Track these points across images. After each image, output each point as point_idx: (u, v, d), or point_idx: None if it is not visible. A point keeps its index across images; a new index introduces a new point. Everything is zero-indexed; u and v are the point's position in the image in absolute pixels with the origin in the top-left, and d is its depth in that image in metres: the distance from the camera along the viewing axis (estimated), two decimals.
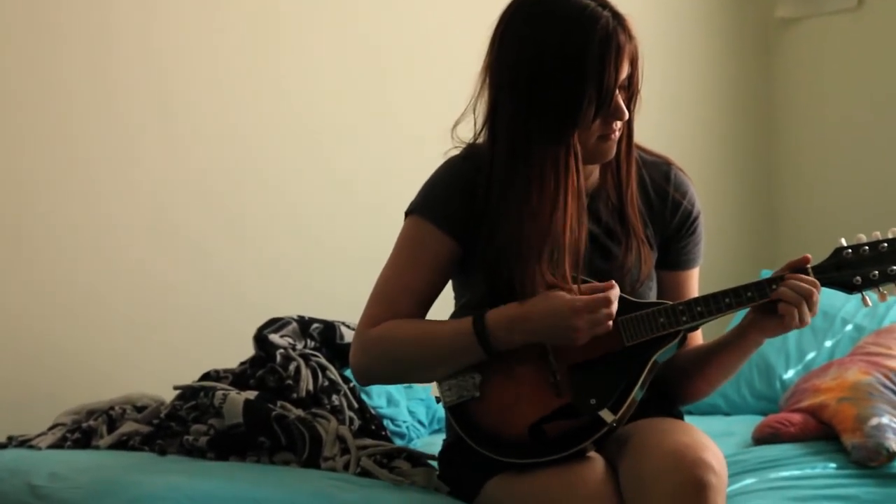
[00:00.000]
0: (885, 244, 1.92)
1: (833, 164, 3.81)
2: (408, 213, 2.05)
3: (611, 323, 1.88)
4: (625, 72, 1.95)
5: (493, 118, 1.96)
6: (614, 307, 1.88)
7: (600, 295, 1.87)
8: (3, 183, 2.87)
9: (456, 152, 2.05)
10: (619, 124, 1.97)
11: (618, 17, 1.95)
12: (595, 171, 2.05)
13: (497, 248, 1.95)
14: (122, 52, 3.00)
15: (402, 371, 2.04)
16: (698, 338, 2.11)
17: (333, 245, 3.27)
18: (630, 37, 1.95)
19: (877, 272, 1.91)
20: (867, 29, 3.67)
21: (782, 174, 3.94)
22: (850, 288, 1.93)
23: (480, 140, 2.01)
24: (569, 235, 1.92)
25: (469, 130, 2.03)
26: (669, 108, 3.80)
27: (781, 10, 3.88)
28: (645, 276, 2.03)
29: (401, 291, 2.00)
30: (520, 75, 1.91)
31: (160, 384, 2.66)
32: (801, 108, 3.89)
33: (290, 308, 2.74)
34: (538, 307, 1.88)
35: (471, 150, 2.03)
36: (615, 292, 1.88)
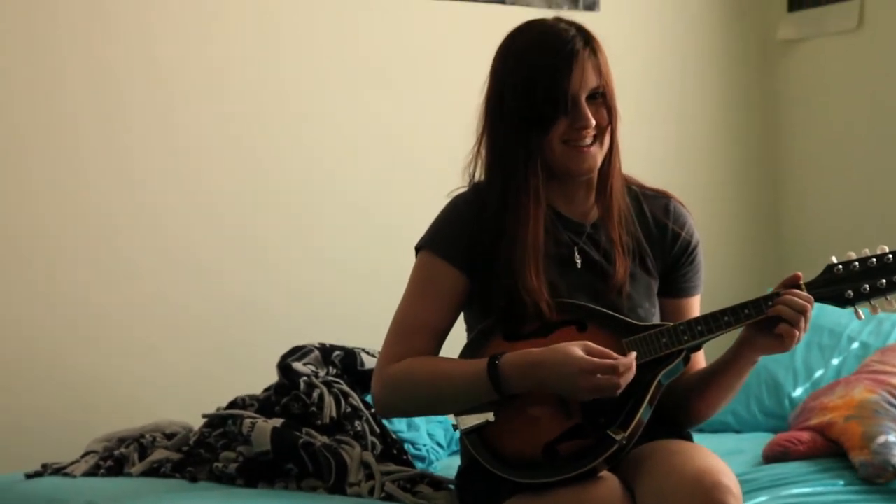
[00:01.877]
0: (874, 259, 1.98)
1: (835, 182, 3.82)
2: (418, 249, 2.12)
3: (618, 392, 1.91)
4: (588, 80, 2.02)
5: (484, 146, 2.09)
6: (625, 378, 1.91)
7: (608, 361, 1.90)
8: (27, 227, 2.94)
9: (462, 191, 2.14)
10: (587, 133, 2.03)
11: (582, 32, 2.05)
12: (592, 202, 2.12)
13: (499, 271, 2.03)
14: (132, 87, 3.04)
15: (420, 407, 2.11)
16: (700, 361, 2.16)
17: (354, 272, 3.31)
18: (593, 49, 2.04)
19: (867, 286, 1.97)
20: (867, 50, 3.69)
21: (785, 193, 3.96)
22: (842, 302, 1.99)
23: (479, 175, 2.11)
24: (531, 239, 2.01)
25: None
26: (674, 128, 3.83)
27: (783, 32, 3.90)
28: (643, 299, 2.09)
29: (417, 327, 2.06)
30: (493, 101, 2.05)
31: (185, 410, 2.73)
32: (803, 128, 3.90)
33: (311, 334, 2.80)
34: (550, 358, 1.93)
35: (476, 187, 2.12)
36: (626, 362, 1.91)
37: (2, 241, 2.92)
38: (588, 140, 2.04)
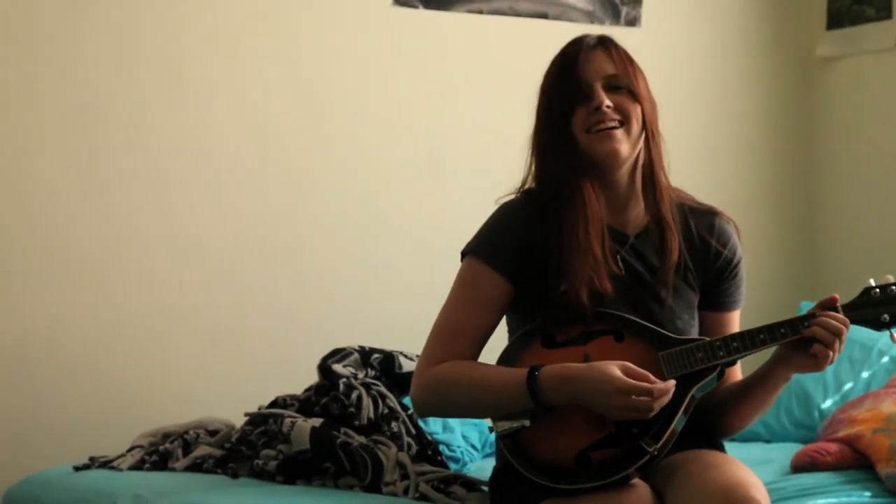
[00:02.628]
0: None
1: (872, 200, 3.81)
2: (464, 254, 2.16)
3: (651, 415, 1.93)
4: (601, 67, 2.09)
5: (534, 154, 2.15)
6: (660, 402, 1.92)
7: (644, 385, 1.92)
8: (70, 239, 3.00)
9: (511, 197, 2.17)
10: (605, 116, 2.06)
11: (602, 37, 2.14)
12: (640, 212, 2.15)
13: (553, 267, 2.07)
14: (161, 96, 3.08)
15: (458, 411, 2.17)
16: (737, 374, 2.18)
17: (390, 277, 3.35)
18: (606, 44, 2.12)
19: None
20: None
21: (822, 209, 3.96)
22: (878, 325, 2.01)
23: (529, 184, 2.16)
24: (591, 214, 2.06)
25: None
26: (712, 142, 3.85)
27: (822, 50, 3.91)
28: (682, 311, 2.12)
29: (458, 332, 2.10)
30: (537, 111, 2.13)
31: (227, 410, 2.79)
32: (840, 146, 3.91)
33: (348, 337, 2.85)
34: (588, 375, 1.95)
35: (526, 193, 2.16)
36: (662, 387, 1.93)
37: (40, 252, 2.98)
38: (609, 123, 2.07)
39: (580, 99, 2.08)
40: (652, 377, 1.94)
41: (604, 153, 2.08)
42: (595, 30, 3.55)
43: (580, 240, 2.05)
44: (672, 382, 1.94)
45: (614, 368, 1.94)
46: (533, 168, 2.15)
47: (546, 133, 2.12)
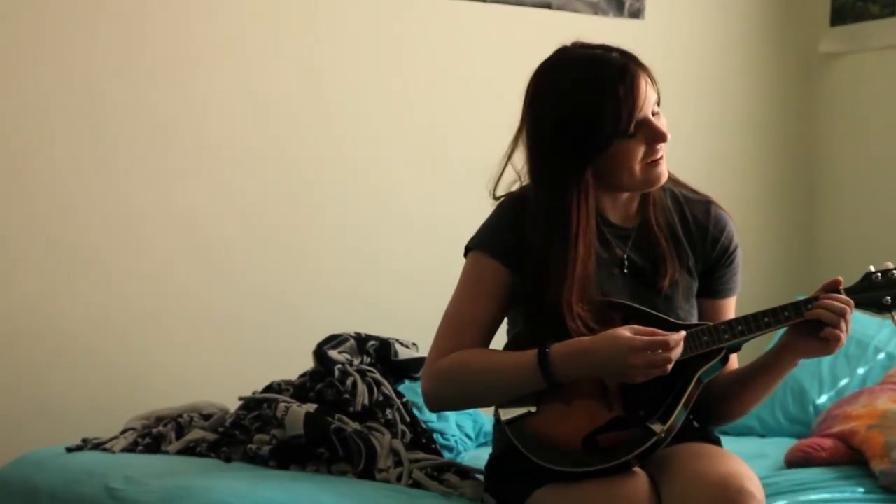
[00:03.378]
0: None
1: (873, 196, 3.83)
2: (468, 250, 2.18)
3: (670, 367, 1.96)
4: (651, 95, 2.06)
5: (529, 165, 2.12)
6: (675, 353, 1.96)
7: (659, 337, 1.96)
8: (68, 224, 3.01)
9: (511, 192, 2.19)
10: (663, 146, 2.08)
11: (626, 54, 2.08)
12: (639, 209, 2.17)
13: (532, 283, 2.08)
14: (165, 84, 3.09)
15: (470, 399, 2.17)
16: (734, 363, 2.20)
17: (388, 267, 3.36)
18: (643, 66, 2.07)
19: None
20: None
21: (823, 204, 3.98)
22: (880, 308, 2.03)
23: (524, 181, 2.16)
24: (580, 268, 2.04)
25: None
26: (714, 137, 3.86)
27: (825, 46, 3.92)
28: (682, 300, 2.14)
29: (467, 324, 2.12)
30: (546, 124, 2.07)
31: (222, 394, 2.79)
32: (842, 141, 3.92)
33: (345, 326, 2.85)
34: (599, 344, 1.98)
35: (522, 192, 2.17)
36: (676, 338, 1.97)
37: (42, 240, 2.99)
38: (662, 152, 2.09)
39: (635, 133, 2.04)
40: (661, 331, 1.97)
41: (657, 181, 2.10)
42: (598, 22, 3.58)
43: (579, 254, 2.05)
44: (682, 333, 1.98)
45: (624, 331, 1.97)
46: (528, 168, 2.13)
47: (554, 157, 2.07)
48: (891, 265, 2.04)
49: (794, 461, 2.54)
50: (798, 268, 3.97)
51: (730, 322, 2.03)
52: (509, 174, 2.17)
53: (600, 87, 2.03)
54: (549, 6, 3.57)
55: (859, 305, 2.03)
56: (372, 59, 3.35)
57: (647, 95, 2.05)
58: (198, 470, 2.31)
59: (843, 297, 2.01)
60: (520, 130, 2.13)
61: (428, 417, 2.74)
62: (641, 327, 1.99)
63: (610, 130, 2.02)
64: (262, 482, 2.20)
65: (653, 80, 2.07)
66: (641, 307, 2.08)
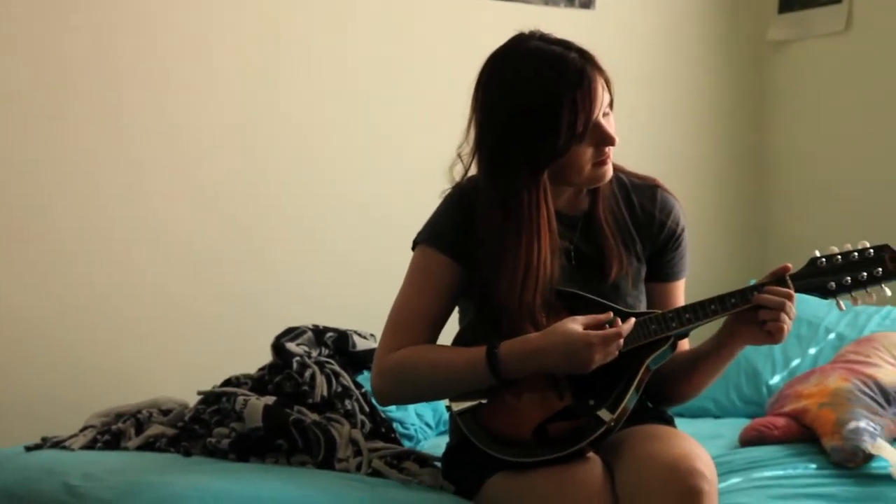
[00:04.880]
0: (856, 254, 2.05)
1: (822, 181, 3.87)
2: (415, 244, 2.18)
3: (617, 353, 2.00)
4: (604, 99, 2.06)
5: (479, 157, 2.11)
6: (622, 340, 2.00)
7: (613, 331, 1.98)
8: (30, 214, 3.01)
9: (457, 184, 2.18)
10: (610, 149, 2.10)
11: (584, 55, 2.06)
12: (586, 197, 2.19)
13: (483, 278, 2.08)
14: (131, 74, 3.11)
15: (419, 395, 2.18)
16: (685, 345, 2.22)
17: (345, 260, 3.37)
18: (600, 69, 2.07)
19: (849, 278, 2.03)
20: (855, 51, 3.75)
21: (772, 188, 4.01)
22: (824, 293, 2.06)
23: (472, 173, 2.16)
24: (539, 270, 2.04)
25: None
26: (666, 124, 3.89)
27: (773, 33, 3.96)
28: (631, 286, 2.16)
29: (414, 318, 2.12)
30: (498, 116, 2.06)
31: (182, 389, 2.80)
32: (791, 126, 3.96)
33: (304, 318, 2.87)
34: (552, 340, 1.99)
35: (470, 183, 2.16)
36: (626, 328, 2.00)
37: (5, 228, 2.99)
38: (611, 156, 2.10)
39: (586, 138, 2.05)
40: (602, 317, 2.00)
41: (602, 179, 2.11)
42: (549, 12, 3.60)
43: (535, 256, 2.05)
44: (632, 320, 2.01)
45: (574, 326, 1.98)
46: (476, 162, 2.13)
47: (507, 155, 2.05)
48: (835, 250, 2.06)
49: (749, 440, 2.58)
50: (749, 252, 4.01)
51: (678, 310, 2.05)
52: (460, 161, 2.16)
53: (557, 93, 2.01)
54: None
55: (805, 291, 2.05)
56: (327, 54, 3.36)
57: (602, 99, 2.06)
58: (157, 465, 2.30)
59: (784, 289, 2.03)
60: (470, 119, 2.12)
61: (387, 407, 2.73)
62: (589, 317, 2.00)
63: (565, 139, 2.03)
64: (221, 475, 2.20)
65: (608, 81, 2.07)
66: (590, 296, 2.10)
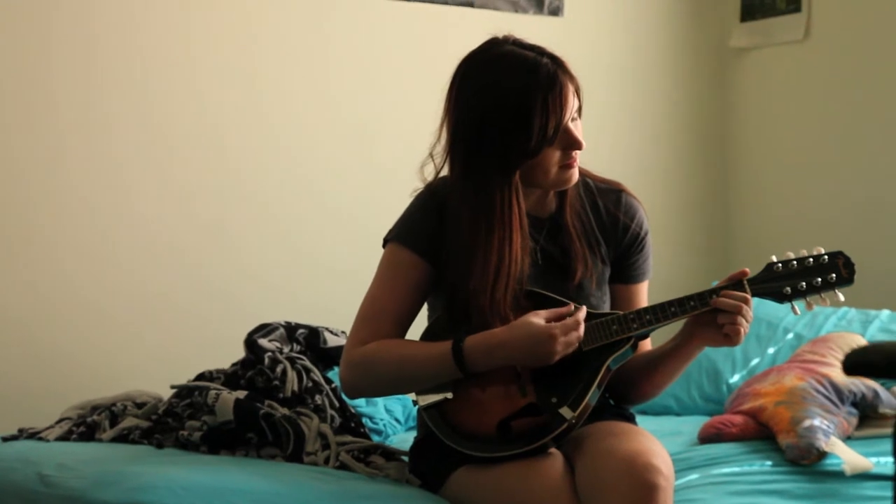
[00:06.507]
0: (811, 259, 2.08)
1: (784, 185, 3.92)
2: (386, 242, 2.22)
3: (577, 343, 2.05)
4: (574, 105, 2.11)
5: (451, 157, 2.15)
6: (582, 329, 2.05)
7: (571, 320, 2.04)
8: (10, 208, 3.03)
9: (428, 183, 2.22)
10: (577, 153, 2.14)
11: (556, 61, 2.11)
12: (553, 200, 2.23)
13: (453, 276, 2.12)
14: (110, 75, 3.13)
15: (386, 388, 2.22)
16: (647, 345, 2.27)
17: (317, 258, 3.40)
18: (571, 75, 2.11)
19: (804, 284, 2.07)
20: (813, 59, 3.82)
21: (736, 193, 4.07)
22: (780, 297, 2.09)
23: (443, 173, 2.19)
24: (512, 266, 2.09)
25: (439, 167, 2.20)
26: (631, 130, 3.93)
27: (735, 41, 4.03)
28: (595, 287, 2.20)
29: (383, 314, 2.16)
30: (471, 118, 2.10)
31: (157, 384, 2.82)
32: (752, 132, 4.01)
33: (276, 315, 2.90)
34: (516, 334, 2.04)
35: (440, 183, 2.20)
36: (582, 314, 2.06)
37: None
38: (577, 160, 2.14)
39: (554, 142, 2.08)
40: (563, 310, 2.05)
41: (568, 183, 2.15)
42: (519, 20, 3.64)
43: (507, 254, 2.09)
44: (583, 307, 2.06)
45: (536, 319, 2.03)
46: (449, 162, 2.16)
47: (480, 155, 2.09)
48: (791, 255, 2.10)
49: (707, 437, 2.60)
50: (712, 255, 4.05)
51: (638, 311, 2.08)
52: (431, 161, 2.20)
53: (530, 95, 2.06)
54: (471, 4, 3.61)
55: (761, 295, 2.09)
56: (301, 55, 3.39)
57: (572, 105, 2.10)
58: (130, 456, 2.32)
59: (741, 294, 2.06)
60: (443, 119, 2.15)
61: (357, 402, 2.78)
62: (551, 311, 2.05)
63: (536, 143, 2.06)
64: (192, 467, 2.22)
65: (578, 88, 2.11)
66: (555, 296, 2.13)
